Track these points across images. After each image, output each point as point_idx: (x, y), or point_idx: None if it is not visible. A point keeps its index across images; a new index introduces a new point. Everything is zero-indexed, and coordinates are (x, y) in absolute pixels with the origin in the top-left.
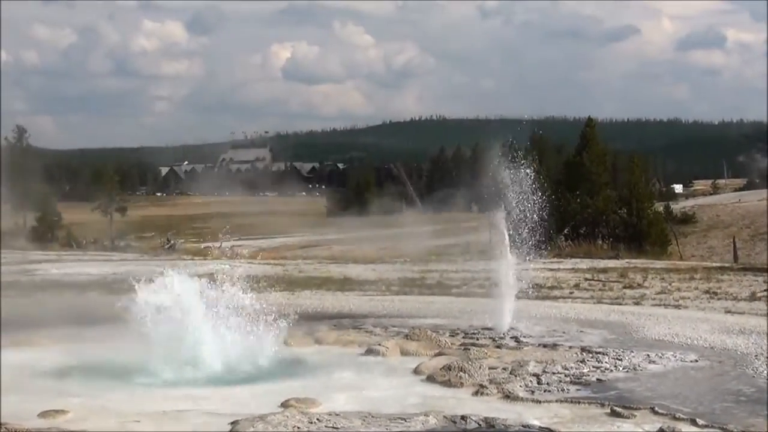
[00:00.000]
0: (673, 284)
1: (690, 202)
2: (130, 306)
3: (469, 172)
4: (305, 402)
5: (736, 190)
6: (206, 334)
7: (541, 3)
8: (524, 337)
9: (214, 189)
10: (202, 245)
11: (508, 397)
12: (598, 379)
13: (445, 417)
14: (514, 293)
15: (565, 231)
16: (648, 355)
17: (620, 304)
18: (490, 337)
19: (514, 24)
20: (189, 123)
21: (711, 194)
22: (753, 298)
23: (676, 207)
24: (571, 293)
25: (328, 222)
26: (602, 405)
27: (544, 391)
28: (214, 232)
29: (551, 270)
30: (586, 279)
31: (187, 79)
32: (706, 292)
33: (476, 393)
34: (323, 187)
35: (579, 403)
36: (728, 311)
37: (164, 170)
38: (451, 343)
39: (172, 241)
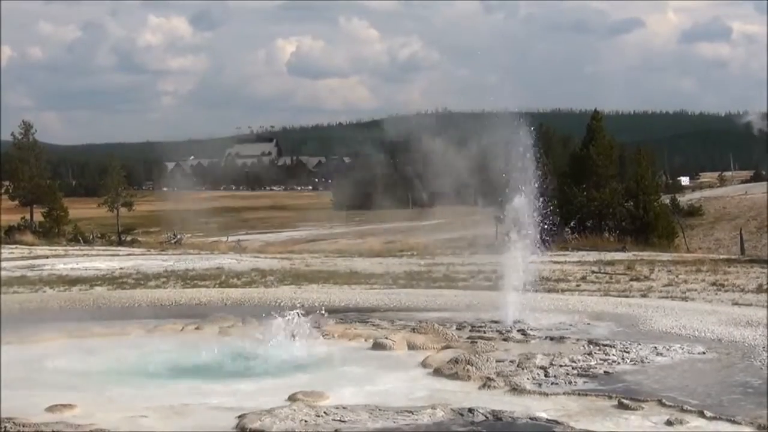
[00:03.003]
0: (680, 276)
1: (696, 195)
2: None
3: (475, 166)
4: (312, 395)
5: (742, 182)
6: None
7: None
8: (531, 329)
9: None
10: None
11: (516, 389)
12: (605, 372)
13: (452, 410)
14: (521, 286)
15: (572, 224)
16: (655, 347)
17: (627, 296)
18: (497, 330)
19: (518, 17)
20: (194, 118)
21: (717, 186)
22: (760, 290)
23: (683, 199)
24: (578, 286)
25: (334, 216)
26: (610, 397)
27: (552, 383)
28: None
29: (558, 263)
30: (593, 271)
31: (193, 74)
32: (713, 284)
33: (483, 386)
34: (329, 181)
35: (586, 395)
36: (735, 303)
37: (170, 165)
38: (458, 336)
39: (178, 236)
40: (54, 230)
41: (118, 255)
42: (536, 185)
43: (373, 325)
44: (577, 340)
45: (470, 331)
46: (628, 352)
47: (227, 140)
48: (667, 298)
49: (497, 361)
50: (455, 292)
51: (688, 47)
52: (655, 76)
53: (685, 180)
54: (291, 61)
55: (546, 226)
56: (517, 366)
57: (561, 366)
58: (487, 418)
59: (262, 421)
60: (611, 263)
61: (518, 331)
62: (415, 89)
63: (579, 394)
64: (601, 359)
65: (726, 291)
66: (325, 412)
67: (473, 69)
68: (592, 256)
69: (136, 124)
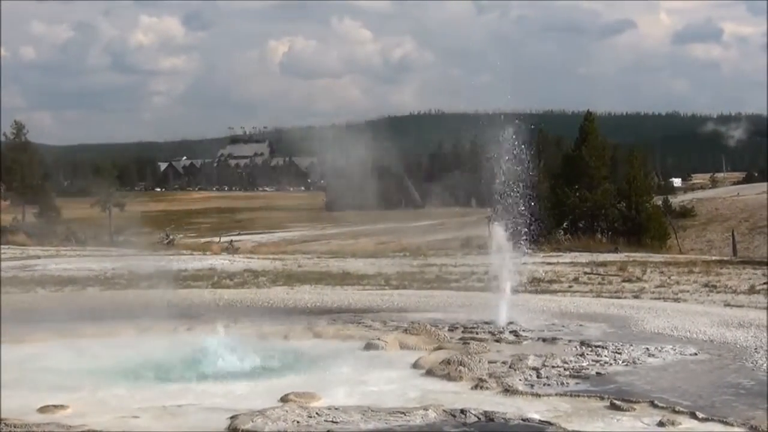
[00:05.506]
0: (672, 278)
1: (689, 196)
2: None
3: (468, 167)
4: (305, 396)
5: (734, 184)
6: None
7: None
8: (523, 331)
9: None
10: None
11: (508, 390)
12: (597, 373)
13: (444, 411)
14: (513, 287)
15: (564, 225)
16: (647, 348)
17: (619, 297)
18: (489, 331)
19: (511, 18)
20: (187, 118)
21: (709, 188)
22: (752, 291)
23: (675, 200)
24: (570, 287)
25: (327, 217)
26: (602, 398)
27: (544, 384)
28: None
29: (550, 264)
30: (585, 273)
31: (185, 74)
32: (705, 285)
33: (476, 387)
34: (322, 181)
35: (578, 396)
36: (727, 304)
37: (163, 165)
38: (451, 337)
39: (170, 237)
40: (46, 230)
41: (110, 255)
42: (528, 186)
43: (366, 326)
44: (569, 341)
45: (462, 332)
46: (620, 353)
47: (220, 141)
48: (659, 299)
49: (489, 362)
50: (448, 293)
51: (681, 48)
52: (647, 77)
53: (677, 181)
54: (283, 62)
55: (538, 227)
56: (510, 367)
57: (553, 367)
58: (479, 419)
59: (254, 421)
60: (603, 264)
61: (510, 332)
62: (408, 90)
63: (571, 395)
64: (593, 360)
65: (718, 292)
66: (317, 413)
67: (466, 70)
68: (584, 257)
69: (129, 125)
